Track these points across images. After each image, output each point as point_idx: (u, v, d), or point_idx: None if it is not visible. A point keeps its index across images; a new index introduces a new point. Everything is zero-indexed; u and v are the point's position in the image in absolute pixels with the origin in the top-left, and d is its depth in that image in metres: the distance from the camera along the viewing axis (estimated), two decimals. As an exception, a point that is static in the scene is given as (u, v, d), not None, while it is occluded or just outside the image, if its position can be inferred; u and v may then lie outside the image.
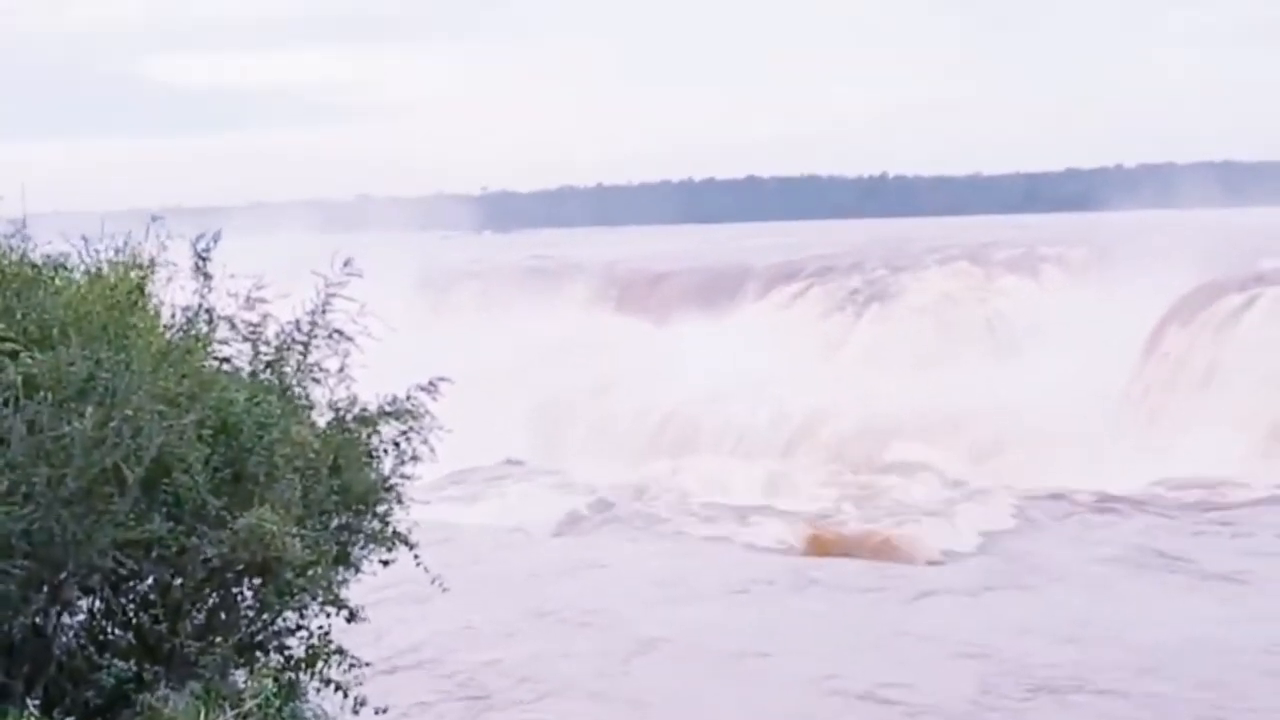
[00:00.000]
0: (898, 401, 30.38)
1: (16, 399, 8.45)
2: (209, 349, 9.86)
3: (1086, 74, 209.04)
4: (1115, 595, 16.28)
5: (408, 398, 10.38)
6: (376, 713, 10.13)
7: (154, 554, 8.93)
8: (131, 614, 9.34)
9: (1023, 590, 16.82)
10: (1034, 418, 27.91)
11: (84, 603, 9.12)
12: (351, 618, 9.90)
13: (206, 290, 9.97)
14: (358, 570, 10.06)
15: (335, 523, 9.87)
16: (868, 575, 17.63)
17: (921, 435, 28.95)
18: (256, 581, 9.30)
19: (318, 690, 9.83)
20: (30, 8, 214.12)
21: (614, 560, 18.41)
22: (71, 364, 8.61)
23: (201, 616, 9.39)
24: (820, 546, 19.16)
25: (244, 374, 9.92)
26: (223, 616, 9.45)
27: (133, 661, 8.99)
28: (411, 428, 10.33)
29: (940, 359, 33.50)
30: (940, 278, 37.90)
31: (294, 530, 8.90)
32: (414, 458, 10.32)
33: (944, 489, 23.69)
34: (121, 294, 9.44)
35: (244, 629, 9.50)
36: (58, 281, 9.48)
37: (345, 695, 9.82)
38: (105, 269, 9.68)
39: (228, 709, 8.61)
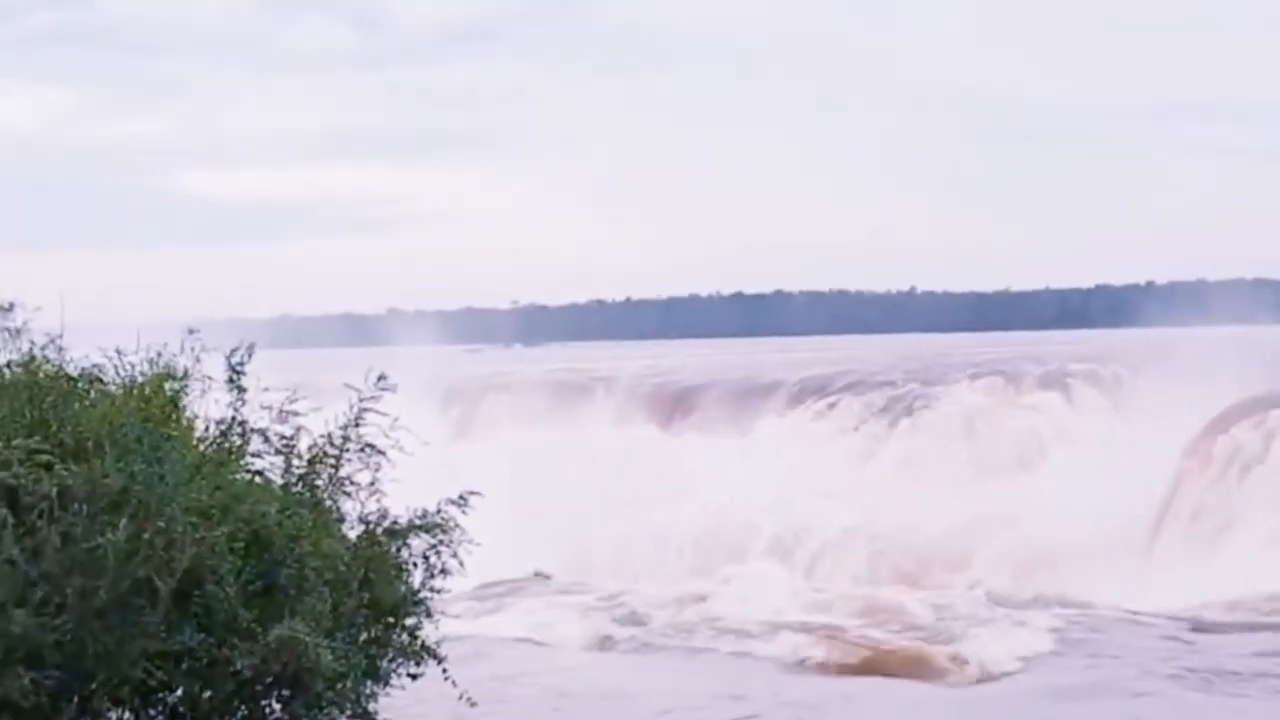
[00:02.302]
0: (930, 517, 30.27)
1: (51, 511, 8.52)
2: (242, 461, 9.94)
3: (1114, 191, 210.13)
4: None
5: (438, 511, 10.41)
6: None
7: (184, 666, 8.94)
8: (161, 726, 9.34)
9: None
10: (1067, 535, 27.73)
11: (113, 714, 9.10)
12: (380, 731, 9.87)
13: (240, 403, 10.06)
14: (386, 683, 10.03)
15: (364, 636, 9.86)
16: (909, 694, 17.44)
17: (954, 551, 28.80)
18: (286, 694, 9.30)
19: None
20: (64, 120, 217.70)
21: (644, 679, 18.28)
22: (106, 476, 8.69)
23: (231, 729, 9.39)
24: (855, 664, 18.97)
25: (276, 486, 9.97)
26: (252, 729, 9.44)
27: (161, 774, 8.98)
28: (441, 541, 10.34)
29: (972, 474, 33.40)
30: (971, 393, 37.89)
31: (324, 642, 8.91)
32: (443, 571, 10.33)
33: (978, 606, 23.43)
34: (156, 407, 9.53)
35: (272, 742, 9.48)
36: (93, 394, 9.58)
37: (375, 809, 9.77)
38: (140, 381, 9.79)
39: (257, 823, 8.59)
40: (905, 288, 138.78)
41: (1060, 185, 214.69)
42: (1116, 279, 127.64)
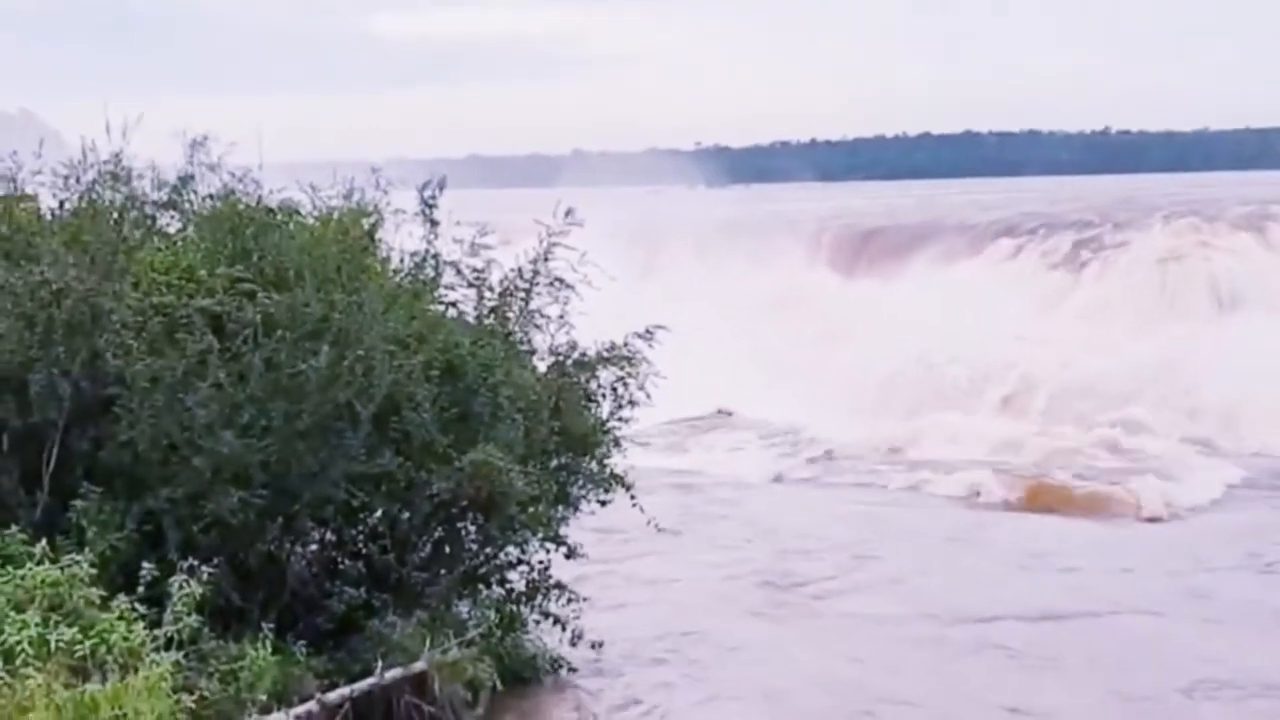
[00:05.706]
0: (1117, 360, 29.77)
1: (255, 337, 8.85)
2: (436, 293, 10.21)
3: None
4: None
5: (625, 344, 10.60)
6: (592, 646, 10.39)
7: (384, 488, 9.31)
8: (361, 545, 9.75)
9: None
10: (1256, 379, 27.13)
11: (316, 533, 9.53)
12: (570, 554, 10.18)
13: (433, 237, 10.30)
14: (576, 509, 10.33)
15: (555, 463, 10.16)
16: (1089, 530, 17.37)
17: (1141, 395, 28.33)
18: (480, 517, 9.63)
19: (537, 623, 10.14)
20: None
21: (839, 510, 18.44)
22: (307, 305, 8.98)
23: (428, 549, 9.77)
24: (1037, 501, 18.92)
25: (469, 318, 10.24)
26: (448, 549, 9.82)
27: (362, 590, 9.40)
28: (629, 373, 10.55)
29: (1162, 317, 32.69)
30: (1164, 235, 36.91)
31: (517, 468, 9.20)
32: (631, 402, 10.55)
33: (1163, 449, 23.16)
34: (353, 239, 9.80)
35: (468, 562, 9.87)
36: (292, 226, 9.87)
37: (564, 629, 10.12)
38: (336, 215, 10.05)
39: (452, 637, 8.95)
40: (1100, 127, 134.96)
41: (1263, 23, 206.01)
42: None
